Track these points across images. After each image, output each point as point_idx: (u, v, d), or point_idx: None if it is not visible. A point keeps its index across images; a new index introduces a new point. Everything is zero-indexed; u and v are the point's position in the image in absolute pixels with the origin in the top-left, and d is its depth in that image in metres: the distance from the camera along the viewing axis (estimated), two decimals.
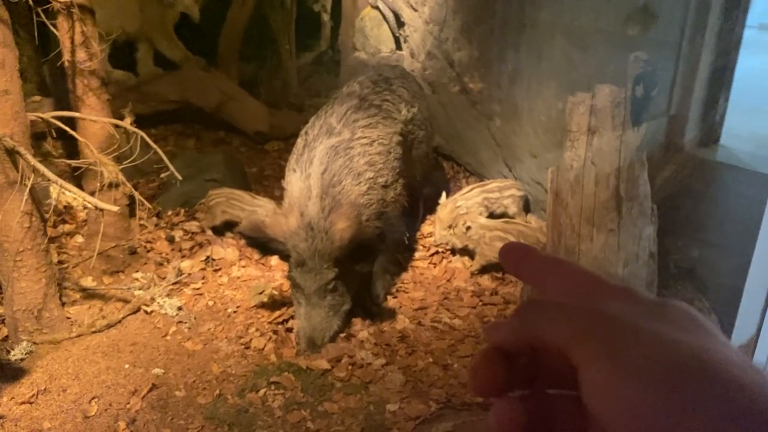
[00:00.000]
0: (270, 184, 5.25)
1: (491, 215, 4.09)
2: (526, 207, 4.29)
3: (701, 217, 3.52)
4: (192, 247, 4.14)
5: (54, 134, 3.20)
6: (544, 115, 4.02)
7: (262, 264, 4.02)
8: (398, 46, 5.59)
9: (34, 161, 2.76)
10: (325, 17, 7.69)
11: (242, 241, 4.16)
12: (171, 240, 4.19)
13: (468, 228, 3.79)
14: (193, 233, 4.28)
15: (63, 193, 2.86)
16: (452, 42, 4.94)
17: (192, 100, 5.92)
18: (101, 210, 2.94)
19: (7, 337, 3.24)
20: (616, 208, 2.80)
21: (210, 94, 5.95)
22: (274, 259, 3.97)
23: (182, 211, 4.52)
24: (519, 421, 0.55)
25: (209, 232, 4.27)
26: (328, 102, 3.65)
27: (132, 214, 4.12)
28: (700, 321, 0.52)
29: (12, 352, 3.12)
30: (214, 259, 4.00)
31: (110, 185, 3.67)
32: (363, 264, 3.26)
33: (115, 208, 3.09)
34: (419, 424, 2.69)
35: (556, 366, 0.54)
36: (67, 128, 3.24)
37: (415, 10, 5.36)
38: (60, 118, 3.36)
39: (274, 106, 6.42)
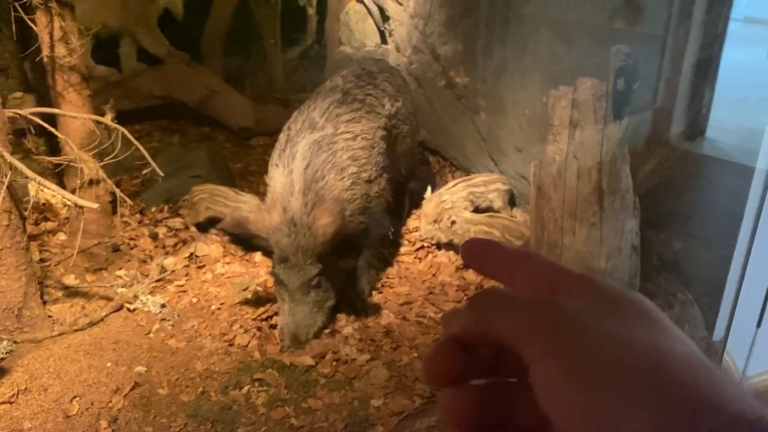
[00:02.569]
0: (255, 180, 5.22)
1: (476, 209, 4.09)
2: (512, 201, 4.29)
3: (685, 210, 3.53)
4: (176, 244, 4.11)
5: (32, 131, 3.16)
6: (528, 108, 4.02)
7: (247, 260, 3.99)
8: (383, 40, 5.57)
9: (10, 158, 2.72)
10: (311, 11, 7.64)
11: (226, 238, 4.15)
12: (154, 237, 4.15)
13: (453, 222, 3.79)
14: (176, 230, 4.25)
15: (42, 190, 2.82)
16: (437, 36, 4.93)
17: (176, 95, 5.87)
18: (81, 207, 2.90)
19: None
20: (599, 202, 2.80)
21: (194, 89, 5.89)
22: (258, 256, 3.95)
23: (166, 207, 4.48)
24: (468, 409, 0.54)
25: (193, 229, 4.23)
26: (311, 96, 3.63)
27: (115, 211, 4.08)
28: (657, 316, 0.50)
29: None
30: (197, 256, 3.97)
31: (91, 182, 3.63)
32: (347, 259, 3.25)
33: (95, 205, 3.06)
34: (403, 419, 2.68)
35: (516, 357, 0.54)
36: (46, 125, 3.20)
37: (400, 4, 5.34)
38: (40, 115, 3.32)
39: (260, 101, 6.37)
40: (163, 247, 4.08)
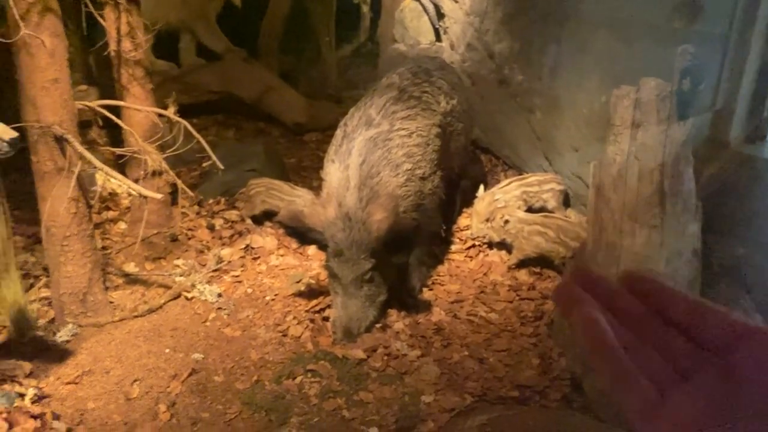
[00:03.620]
0: (308, 175, 5.29)
1: (530, 209, 4.05)
2: (566, 202, 4.23)
3: (747, 215, 3.43)
4: (232, 236, 4.20)
5: (101, 123, 3.28)
6: (586, 108, 3.95)
7: (300, 253, 4.06)
8: (438, 38, 5.56)
9: (81, 148, 2.83)
10: (365, 9, 7.69)
11: (281, 231, 4.20)
12: (211, 228, 4.26)
13: (506, 222, 3.76)
14: (233, 222, 4.35)
15: (108, 180, 2.93)
16: (493, 34, 4.89)
17: (233, 90, 6.00)
18: (145, 197, 3.00)
19: (53, 319, 3.33)
20: (660, 204, 2.74)
21: (251, 85, 6.01)
22: (312, 249, 4.01)
23: (222, 200, 4.59)
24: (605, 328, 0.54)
25: (249, 221, 4.32)
26: (367, 93, 3.65)
27: (174, 202, 4.20)
28: None
29: (58, 334, 3.22)
30: (253, 248, 4.05)
31: (153, 173, 3.75)
32: (399, 255, 3.27)
33: (159, 196, 3.16)
34: (454, 416, 2.69)
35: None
36: (112, 117, 3.31)
37: (456, 2, 5.32)
38: (106, 107, 3.44)
39: (313, 98, 6.45)
40: (220, 238, 4.18)
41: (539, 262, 3.76)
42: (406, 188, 3.27)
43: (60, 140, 2.99)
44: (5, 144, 2.11)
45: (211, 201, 4.57)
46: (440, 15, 5.42)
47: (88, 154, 2.86)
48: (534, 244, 3.65)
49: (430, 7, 5.45)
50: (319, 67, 7.01)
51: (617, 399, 0.53)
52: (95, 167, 2.91)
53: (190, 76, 5.98)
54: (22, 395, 2.76)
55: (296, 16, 6.76)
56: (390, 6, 6.14)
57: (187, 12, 5.98)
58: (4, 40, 2.69)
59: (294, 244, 4.09)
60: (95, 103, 3.22)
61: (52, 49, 2.92)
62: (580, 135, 4.04)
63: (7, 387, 2.80)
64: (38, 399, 2.78)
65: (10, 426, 2.61)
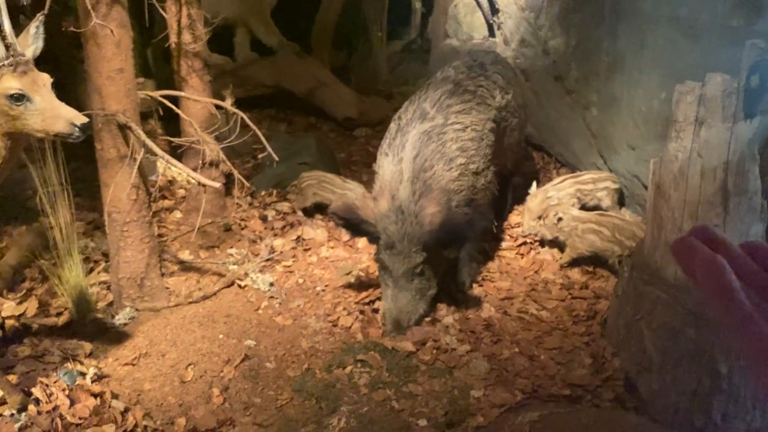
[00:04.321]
0: (358, 170, 5.32)
1: (583, 207, 3.98)
2: (621, 201, 4.14)
3: None
4: (283, 227, 4.26)
5: (161, 112, 3.36)
6: (644, 105, 3.86)
7: (350, 246, 4.09)
8: (491, 33, 5.52)
9: (144, 137, 2.91)
10: (417, 5, 7.68)
11: (331, 223, 4.25)
12: (264, 219, 4.33)
13: (559, 219, 3.71)
14: (284, 213, 4.41)
15: (169, 168, 3.00)
16: (548, 29, 4.83)
17: (286, 85, 6.07)
18: (203, 186, 3.07)
19: (112, 302, 3.44)
20: (723, 203, 2.66)
21: (303, 79, 6.07)
22: (362, 242, 4.03)
23: (274, 191, 4.66)
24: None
25: (300, 213, 4.38)
26: (422, 87, 3.65)
27: (227, 192, 4.28)
28: None
29: (116, 317, 3.32)
30: (304, 239, 4.10)
31: (210, 164, 3.82)
32: (451, 250, 3.26)
33: (217, 185, 3.23)
34: (505, 412, 2.67)
35: None
36: (173, 107, 3.40)
37: None
38: (166, 98, 3.52)
39: (364, 93, 6.48)
40: (272, 229, 4.24)
41: (593, 260, 3.70)
42: (459, 182, 3.26)
43: (123, 128, 3.08)
44: (77, 129, 2.19)
45: (263, 193, 4.64)
46: (494, 10, 5.38)
47: (150, 142, 2.95)
48: (588, 242, 3.59)
49: (484, 3, 5.41)
50: (370, 63, 7.03)
51: (739, 343, 0.53)
52: (156, 155, 2.99)
53: (244, 70, 6.08)
54: (83, 374, 2.86)
55: (349, 12, 6.80)
56: (443, 2, 6.12)
57: (243, 7, 6.08)
58: (75, 30, 2.78)
59: (344, 237, 4.12)
60: (157, 93, 3.31)
61: (118, 39, 3.01)
62: (638, 133, 3.95)
63: (69, 365, 2.90)
64: (98, 378, 2.87)
65: (72, 403, 2.71)
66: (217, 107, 3.85)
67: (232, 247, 4.00)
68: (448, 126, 3.28)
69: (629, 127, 4.02)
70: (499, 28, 5.39)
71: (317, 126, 6.20)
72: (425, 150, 3.21)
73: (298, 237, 4.12)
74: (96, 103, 3.05)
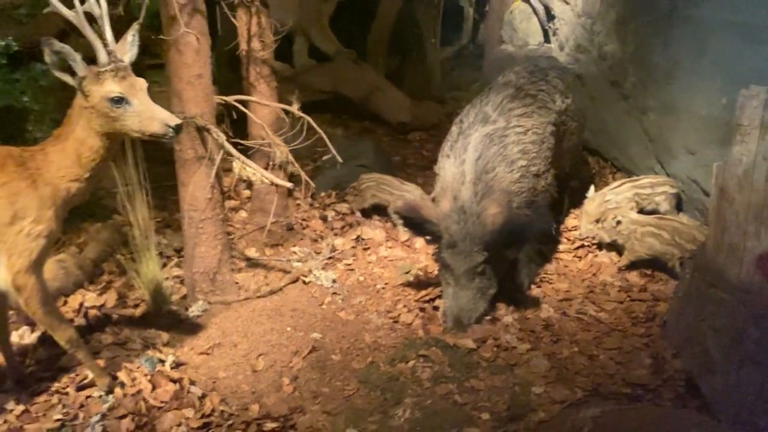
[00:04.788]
0: (412, 173, 5.44)
1: (641, 212, 4.00)
2: (678, 206, 4.15)
3: None
4: (343, 227, 4.41)
5: (234, 116, 3.53)
6: (705, 110, 3.87)
7: (408, 246, 4.20)
8: (546, 39, 5.58)
9: (224, 139, 3.08)
10: (470, 12, 7.78)
11: (389, 224, 4.39)
12: (324, 219, 4.48)
13: (618, 222, 3.74)
14: (343, 214, 4.56)
15: (244, 168, 3.17)
16: (605, 35, 4.86)
17: (342, 90, 6.24)
18: (276, 186, 3.22)
19: (185, 296, 3.63)
20: None
21: (359, 85, 6.24)
22: (419, 242, 4.14)
23: (333, 193, 4.81)
24: None
25: (358, 214, 4.52)
26: (483, 91, 3.75)
27: (290, 193, 4.45)
28: None
29: (190, 309, 3.50)
30: (363, 239, 4.23)
31: (276, 166, 3.99)
32: (511, 250, 3.34)
33: (289, 185, 3.37)
34: (566, 407, 2.73)
35: None
36: (245, 110, 3.57)
37: (567, 3, 5.32)
38: (237, 102, 3.70)
39: (417, 98, 6.61)
40: (332, 228, 4.39)
41: (651, 264, 3.72)
42: (520, 184, 3.34)
43: (201, 130, 3.27)
44: (171, 129, 2.36)
45: (323, 194, 4.80)
46: (550, 16, 5.44)
47: (227, 145, 3.12)
48: (647, 245, 3.62)
49: (540, 9, 5.48)
50: (424, 68, 7.15)
51: None
52: (233, 156, 3.16)
53: (303, 77, 6.27)
54: (162, 361, 3.04)
55: (403, 19, 6.93)
56: (498, 8, 6.21)
57: (302, 15, 6.27)
58: (164, 38, 2.97)
59: (402, 237, 4.24)
60: (231, 98, 3.48)
61: (198, 46, 3.20)
62: (698, 137, 3.96)
63: (150, 353, 3.09)
64: (176, 366, 3.05)
65: (154, 387, 2.89)
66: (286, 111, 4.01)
67: (295, 246, 4.16)
68: (509, 129, 3.37)
69: (689, 131, 4.02)
70: (554, 34, 5.45)
71: (371, 130, 6.35)
72: (487, 152, 3.30)
73: (358, 237, 4.25)
74: (176, 107, 3.24)
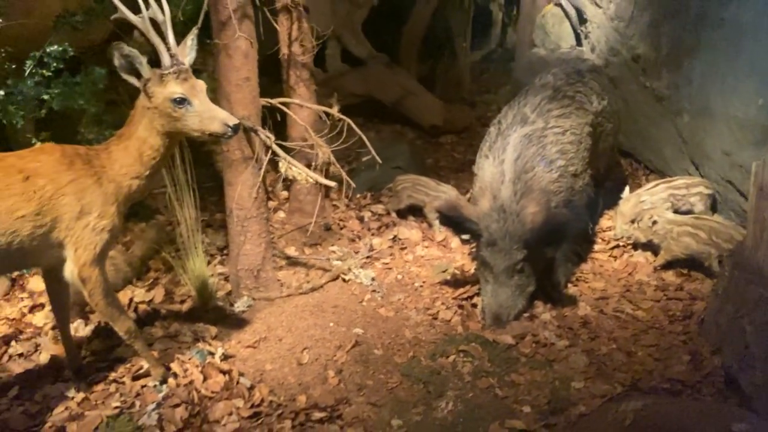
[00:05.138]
0: (445, 174, 5.52)
1: (675, 212, 4.04)
2: (713, 206, 4.17)
3: None
4: (379, 227, 4.51)
5: (279, 118, 3.65)
6: (740, 111, 3.90)
7: (444, 246, 4.28)
8: (578, 42, 5.63)
9: (272, 140, 3.20)
10: (500, 16, 7.85)
11: (424, 224, 4.48)
12: (361, 219, 4.58)
13: (654, 222, 3.79)
14: (379, 215, 4.66)
15: (290, 168, 3.28)
16: (638, 38, 4.91)
17: (374, 94, 6.35)
18: (322, 185, 3.32)
19: (230, 292, 3.74)
20: None
21: (391, 89, 6.34)
22: (455, 242, 4.22)
23: (369, 194, 4.91)
24: None
25: (394, 214, 4.61)
26: (520, 93, 3.82)
27: (327, 194, 4.55)
28: None
29: (235, 305, 3.62)
30: (400, 239, 4.33)
31: (315, 167, 4.10)
32: (549, 249, 3.40)
33: (333, 184, 3.48)
34: (607, 402, 2.78)
35: None
36: (289, 112, 3.69)
37: (599, 7, 5.37)
38: (279, 104, 3.82)
39: (448, 101, 6.69)
40: (369, 229, 4.49)
41: (687, 263, 3.76)
42: (558, 184, 3.40)
43: (248, 131, 3.38)
44: (229, 128, 2.48)
45: (359, 195, 4.91)
46: (582, 20, 5.49)
47: (274, 146, 3.23)
48: (684, 245, 3.66)
49: (572, 12, 5.53)
50: (454, 72, 7.24)
51: None
52: (280, 156, 3.27)
53: (335, 81, 6.38)
54: (212, 354, 3.15)
55: (435, 24, 7.03)
56: (529, 11, 6.28)
57: (335, 20, 6.38)
58: (218, 41, 3.10)
59: (438, 237, 4.33)
60: (276, 101, 3.60)
61: (247, 51, 3.32)
62: (733, 139, 3.99)
63: (200, 345, 3.20)
64: (225, 358, 3.16)
65: (205, 378, 3.00)
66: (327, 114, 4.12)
67: (333, 245, 4.26)
68: (548, 129, 3.43)
69: (723, 133, 4.05)
70: (586, 37, 5.50)
71: (403, 133, 6.45)
72: (526, 152, 3.37)
73: (395, 236, 4.35)
74: (224, 109, 3.34)
